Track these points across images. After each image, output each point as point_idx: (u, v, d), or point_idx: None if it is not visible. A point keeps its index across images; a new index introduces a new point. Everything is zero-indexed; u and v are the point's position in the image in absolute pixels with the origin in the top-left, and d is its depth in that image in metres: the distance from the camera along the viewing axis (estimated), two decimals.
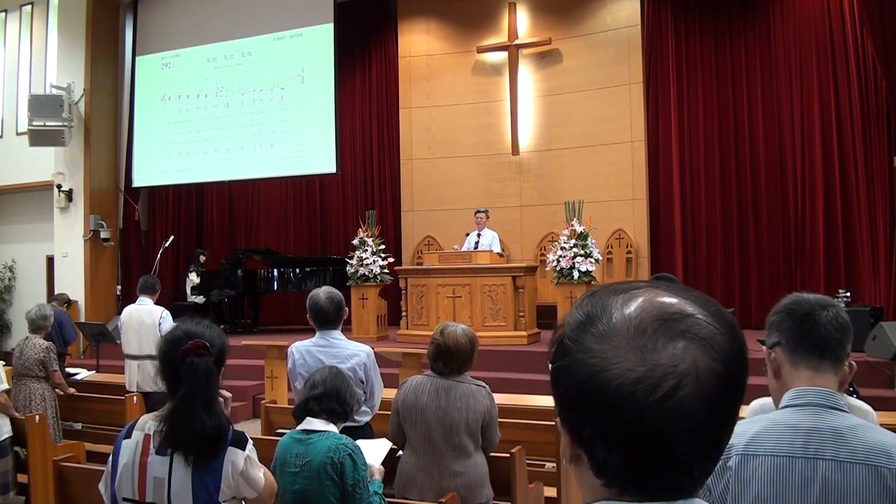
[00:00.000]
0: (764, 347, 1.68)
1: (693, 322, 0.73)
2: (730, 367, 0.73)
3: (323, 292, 3.61)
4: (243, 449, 2.02)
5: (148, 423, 2.03)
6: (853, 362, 1.65)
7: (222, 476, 1.97)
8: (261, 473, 2.07)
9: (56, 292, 8.66)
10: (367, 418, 3.60)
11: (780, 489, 1.46)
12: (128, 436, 2.04)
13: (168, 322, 5.69)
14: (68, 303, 7.67)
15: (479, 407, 3.08)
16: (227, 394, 2.10)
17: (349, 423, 2.92)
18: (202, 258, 10.61)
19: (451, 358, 3.10)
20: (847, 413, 1.52)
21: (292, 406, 2.82)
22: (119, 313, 10.59)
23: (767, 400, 1.77)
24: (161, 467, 1.96)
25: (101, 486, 2.09)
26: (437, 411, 3.05)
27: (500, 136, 10.34)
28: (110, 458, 2.05)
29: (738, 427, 1.54)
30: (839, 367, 1.58)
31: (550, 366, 0.78)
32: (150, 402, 5.31)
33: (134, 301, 6.00)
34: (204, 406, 1.94)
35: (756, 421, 1.57)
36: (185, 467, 1.95)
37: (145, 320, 5.76)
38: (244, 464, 2.01)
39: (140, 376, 5.73)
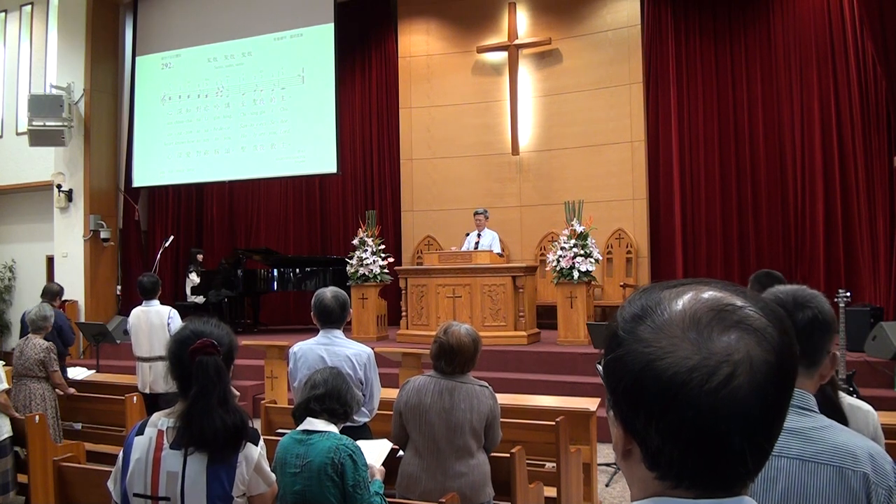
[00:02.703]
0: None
1: (746, 314, 0.74)
2: (782, 359, 0.74)
3: (329, 291, 3.62)
4: (256, 444, 2.05)
5: (161, 420, 2.05)
6: (836, 352, 1.63)
7: (237, 471, 1.99)
8: (270, 469, 2.10)
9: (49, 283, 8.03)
10: (365, 419, 3.60)
11: None
12: (140, 432, 2.06)
13: (177, 321, 5.68)
14: (60, 294, 7.27)
15: (483, 407, 3.08)
16: (236, 392, 2.12)
17: (348, 424, 2.92)
18: (200, 257, 10.62)
19: (453, 357, 3.10)
20: (817, 414, 1.52)
21: (292, 406, 2.83)
22: (119, 313, 10.64)
23: None
24: (175, 461, 1.97)
25: (111, 483, 2.09)
26: (441, 412, 3.04)
27: (500, 136, 10.35)
28: (120, 454, 2.07)
29: None
30: (814, 371, 1.58)
31: (603, 360, 0.79)
32: (162, 402, 5.29)
33: (139, 303, 5.97)
34: (220, 403, 1.96)
35: None
36: (201, 462, 1.97)
37: (154, 321, 5.74)
38: (258, 459, 2.04)
39: (152, 377, 5.72)
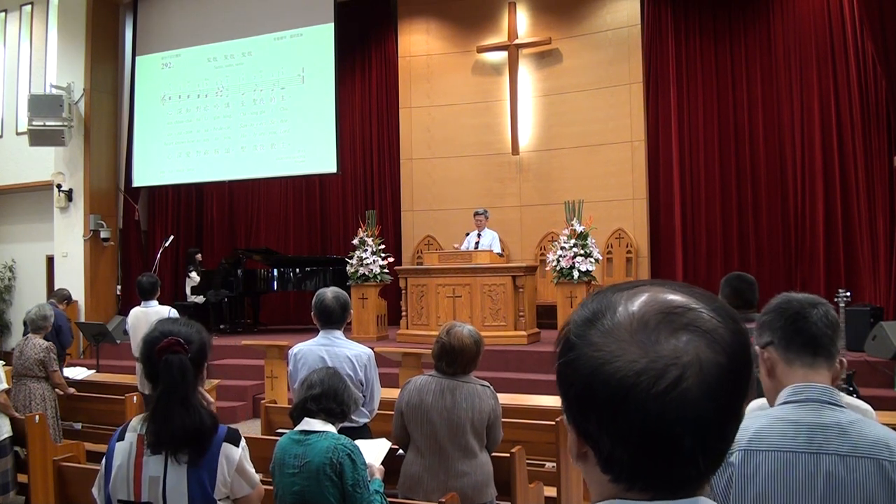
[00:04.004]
0: (756, 347, 1.70)
1: (695, 315, 0.74)
2: (734, 361, 0.73)
3: (330, 291, 3.61)
4: (237, 445, 2.03)
5: (140, 424, 2.04)
6: (843, 359, 1.67)
7: (217, 472, 1.97)
8: (254, 471, 2.08)
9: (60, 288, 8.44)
10: (365, 420, 3.59)
11: (784, 485, 1.47)
12: (121, 438, 2.04)
13: None
14: (69, 299, 7.45)
15: (485, 407, 3.07)
16: (210, 399, 2.09)
17: (347, 424, 2.92)
18: (199, 257, 10.62)
19: (455, 358, 3.09)
20: (846, 409, 1.54)
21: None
22: (119, 313, 10.64)
23: (763, 401, 1.79)
24: (156, 466, 1.96)
25: (95, 490, 2.08)
26: (443, 412, 3.04)
27: (499, 136, 10.35)
28: (103, 460, 2.05)
29: None
30: (832, 364, 1.61)
31: (556, 364, 0.79)
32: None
33: (139, 303, 5.96)
34: (181, 403, 1.94)
35: (756, 417, 1.59)
36: (182, 465, 1.95)
37: (153, 321, 5.69)
38: (239, 460, 2.02)
39: None
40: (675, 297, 0.76)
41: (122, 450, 2.01)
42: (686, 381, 0.70)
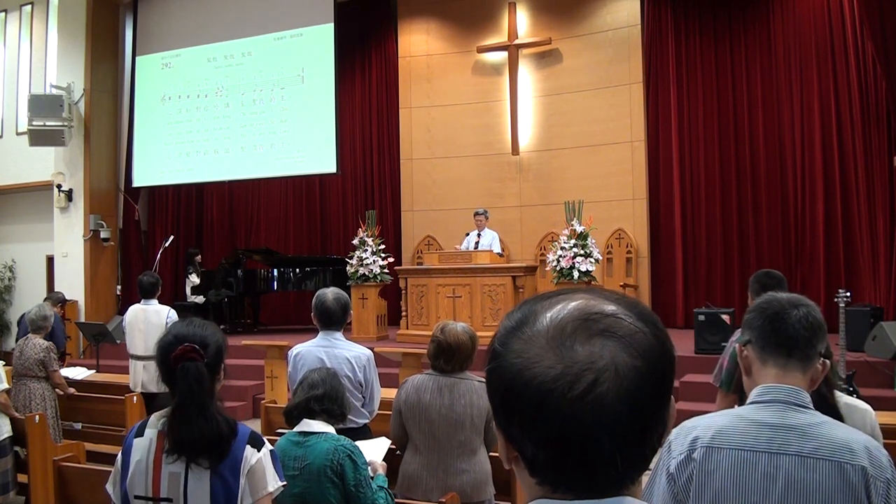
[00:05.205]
0: (736, 345, 1.71)
1: (613, 321, 0.75)
2: (652, 365, 0.75)
3: (331, 292, 3.60)
4: (259, 449, 2.00)
5: (161, 421, 2.02)
6: (827, 361, 1.65)
7: (240, 472, 1.96)
8: (271, 479, 2.01)
9: (55, 291, 8.54)
10: (365, 421, 3.59)
11: (742, 483, 1.48)
12: (139, 434, 2.03)
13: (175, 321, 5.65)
14: (63, 302, 7.51)
15: (483, 403, 3.06)
16: (233, 413, 2.06)
17: (347, 425, 2.92)
18: (198, 258, 10.62)
19: (451, 356, 3.09)
20: (812, 411, 1.54)
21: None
22: (119, 313, 10.63)
23: None
24: (177, 463, 1.95)
25: (109, 486, 2.06)
26: (441, 409, 3.04)
27: (499, 136, 10.35)
28: (119, 456, 2.03)
29: (705, 420, 1.58)
30: (808, 366, 1.60)
31: (485, 371, 0.81)
32: (156, 402, 5.29)
33: (137, 302, 5.96)
34: (199, 412, 1.92)
35: (722, 415, 1.60)
36: (202, 468, 1.94)
37: (152, 320, 5.70)
38: (255, 462, 1.98)
39: (146, 377, 5.69)
40: (595, 304, 0.77)
41: (141, 446, 2.00)
42: (601, 385, 0.72)
